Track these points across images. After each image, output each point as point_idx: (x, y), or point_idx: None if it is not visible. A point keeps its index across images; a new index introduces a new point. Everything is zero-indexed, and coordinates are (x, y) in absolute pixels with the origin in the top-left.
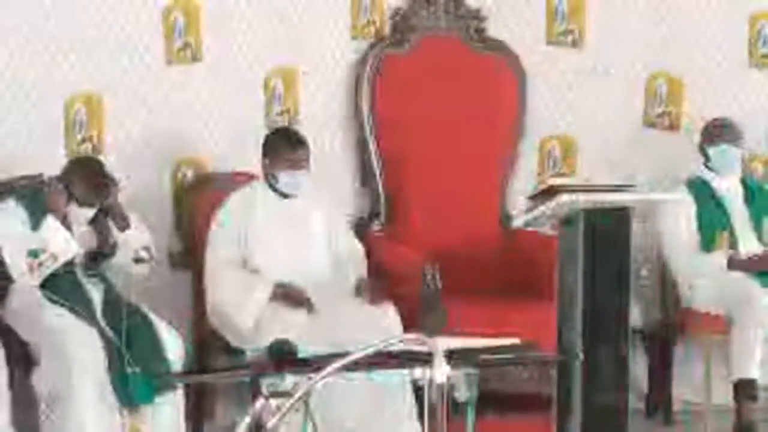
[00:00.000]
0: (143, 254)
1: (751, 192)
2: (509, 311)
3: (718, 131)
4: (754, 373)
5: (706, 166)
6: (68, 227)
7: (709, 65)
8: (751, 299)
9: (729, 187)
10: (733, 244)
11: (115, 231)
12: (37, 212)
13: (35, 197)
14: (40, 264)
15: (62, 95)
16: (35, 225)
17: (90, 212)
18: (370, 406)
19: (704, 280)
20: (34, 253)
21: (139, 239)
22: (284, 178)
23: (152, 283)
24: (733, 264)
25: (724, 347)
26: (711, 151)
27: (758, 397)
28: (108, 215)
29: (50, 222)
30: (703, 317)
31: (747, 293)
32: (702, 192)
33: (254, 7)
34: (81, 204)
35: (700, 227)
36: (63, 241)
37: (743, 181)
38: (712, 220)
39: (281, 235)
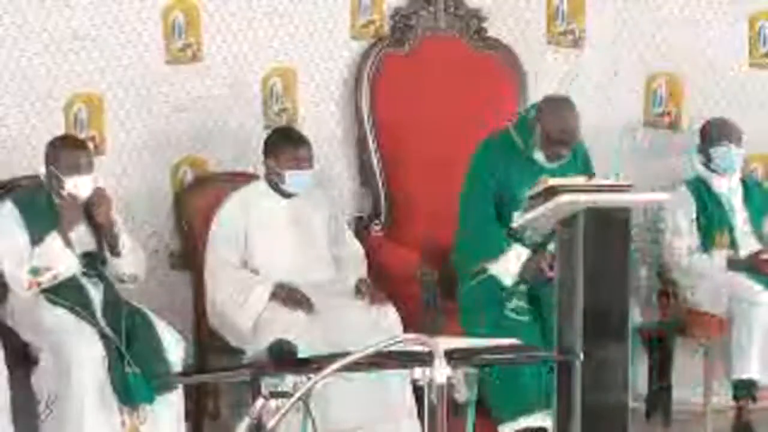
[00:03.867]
0: (126, 278)
1: (750, 191)
2: None
3: (720, 131)
4: (754, 373)
5: (706, 166)
6: (69, 242)
7: (709, 65)
8: (752, 299)
9: (729, 187)
10: (732, 244)
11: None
12: (33, 215)
13: (33, 199)
14: (39, 283)
15: (63, 95)
16: (30, 228)
17: (87, 182)
18: (369, 406)
19: (704, 280)
20: (35, 271)
21: (126, 266)
22: (290, 178)
23: (152, 283)
24: (732, 264)
25: (724, 347)
26: (713, 152)
27: (758, 397)
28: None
29: (55, 240)
30: (703, 317)
31: (747, 293)
32: (702, 192)
33: (254, 7)
34: (71, 171)
35: (700, 227)
36: (67, 262)
37: (743, 181)
38: (712, 220)
39: (281, 235)
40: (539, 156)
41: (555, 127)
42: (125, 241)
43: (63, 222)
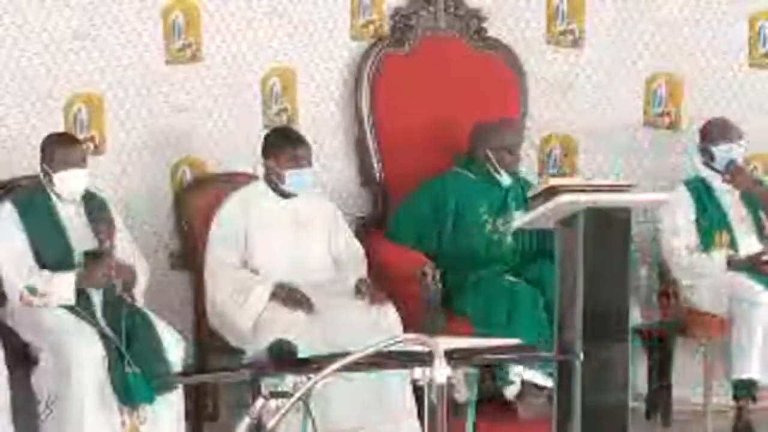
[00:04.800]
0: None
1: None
2: None
3: (721, 130)
4: (754, 373)
5: (707, 165)
6: (80, 283)
7: (709, 65)
8: (752, 299)
9: (729, 187)
10: (732, 244)
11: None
12: (32, 215)
13: (32, 199)
14: (30, 302)
15: (63, 95)
16: (29, 228)
17: (81, 178)
18: (369, 406)
19: (704, 279)
20: (32, 290)
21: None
22: (290, 177)
23: (152, 283)
24: (733, 264)
25: (724, 347)
26: (716, 150)
27: (758, 397)
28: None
29: (69, 278)
30: (703, 317)
31: (747, 293)
32: (701, 191)
33: (253, 7)
34: (61, 166)
35: (700, 228)
36: (64, 297)
37: None
38: (711, 220)
39: (281, 235)
40: (504, 178)
41: (498, 138)
42: (135, 266)
43: (87, 275)
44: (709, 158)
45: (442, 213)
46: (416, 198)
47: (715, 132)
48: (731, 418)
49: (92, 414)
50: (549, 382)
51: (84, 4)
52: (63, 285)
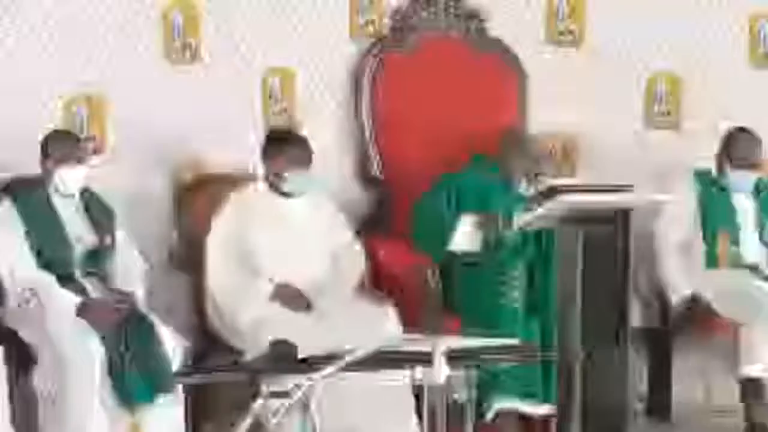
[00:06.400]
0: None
1: (757, 190)
2: None
3: (742, 152)
4: (760, 372)
5: (719, 171)
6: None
7: (709, 65)
8: (760, 299)
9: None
10: (734, 240)
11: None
12: (32, 212)
13: (31, 196)
14: (28, 301)
15: (62, 95)
16: (28, 224)
17: (79, 174)
18: (369, 406)
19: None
20: (34, 292)
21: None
22: (291, 178)
23: (152, 283)
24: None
25: (724, 347)
26: (732, 173)
27: (764, 397)
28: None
29: (72, 301)
30: (703, 317)
31: (755, 293)
32: (710, 184)
33: (254, 6)
34: (65, 160)
35: (705, 219)
36: (65, 308)
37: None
38: (717, 214)
39: (281, 235)
40: (523, 187)
41: (534, 150)
42: (135, 274)
43: (91, 311)
44: (723, 173)
45: (464, 211)
46: (435, 200)
47: (734, 151)
48: (731, 419)
49: (92, 414)
50: (528, 408)
51: (83, 4)
52: (65, 302)
